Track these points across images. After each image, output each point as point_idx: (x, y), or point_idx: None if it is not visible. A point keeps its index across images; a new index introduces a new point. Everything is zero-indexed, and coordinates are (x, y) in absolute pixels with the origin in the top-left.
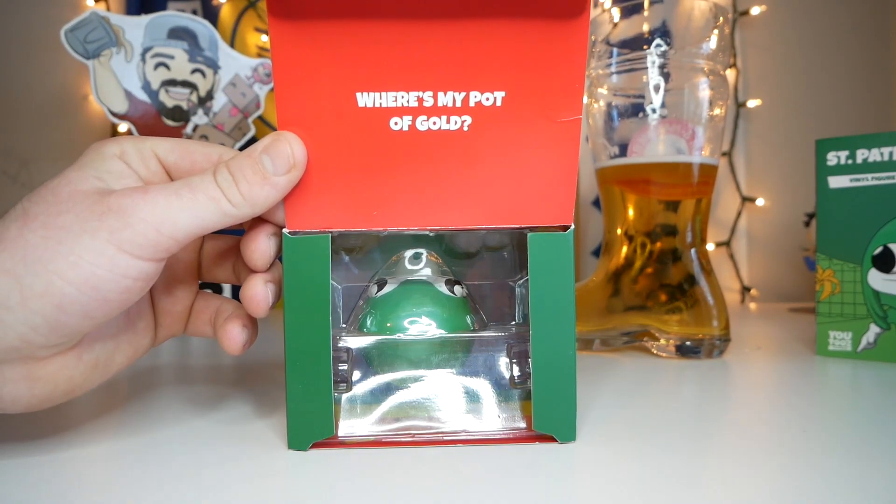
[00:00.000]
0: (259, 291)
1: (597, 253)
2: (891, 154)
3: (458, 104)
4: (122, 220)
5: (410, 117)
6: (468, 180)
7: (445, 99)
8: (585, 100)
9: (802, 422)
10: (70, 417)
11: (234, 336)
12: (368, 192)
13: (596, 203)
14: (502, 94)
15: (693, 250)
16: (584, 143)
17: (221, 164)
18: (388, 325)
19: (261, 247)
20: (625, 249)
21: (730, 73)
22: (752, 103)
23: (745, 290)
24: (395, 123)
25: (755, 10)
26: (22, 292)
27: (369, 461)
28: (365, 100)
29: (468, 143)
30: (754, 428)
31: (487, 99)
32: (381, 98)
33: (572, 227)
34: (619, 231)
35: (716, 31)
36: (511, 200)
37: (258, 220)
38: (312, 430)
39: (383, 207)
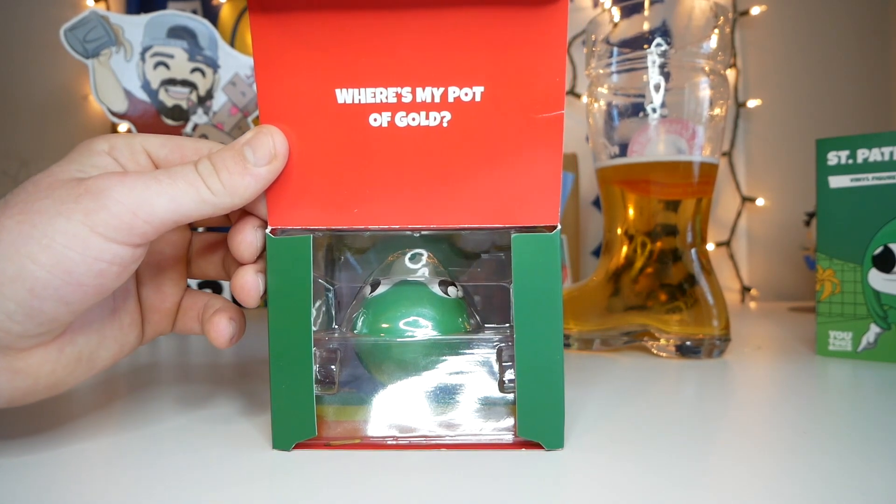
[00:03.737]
0: (249, 280)
1: (597, 253)
2: (891, 154)
3: (437, 100)
4: (97, 202)
5: (389, 113)
6: (449, 178)
7: (424, 94)
8: (585, 99)
9: (802, 422)
10: (57, 414)
11: (221, 329)
12: (349, 189)
13: (596, 203)
14: (481, 88)
15: (693, 250)
16: (585, 143)
17: (204, 156)
18: (380, 325)
19: (247, 238)
20: (625, 249)
21: (730, 73)
22: (752, 103)
23: (745, 289)
24: (375, 120)
25: (755, 10)
26: None
27: (351, 464)
28: (344, 96)
29: (448, 139)
30: (754, 428)
31: (466, 94)
32: (359, 94)
33: (559, 227)
34: (619, 231)
35: (716, 31)
36: (494, 199)
37: (244, 213)
38: (295, 431)
39: (364, 205)
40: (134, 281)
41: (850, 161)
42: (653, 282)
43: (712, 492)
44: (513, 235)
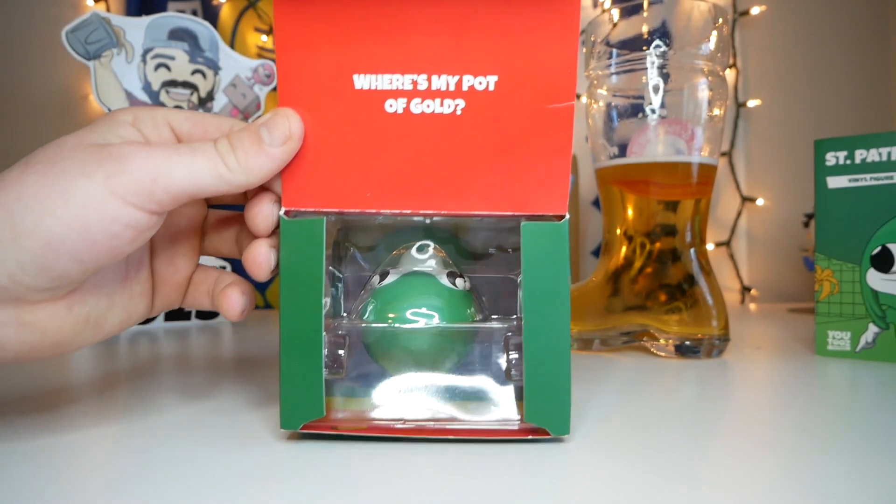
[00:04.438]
0: (262, 252)
1: (597, 253)
2: (889, 154)
3: (452, 88)
4: (119, 166)
5: (405, 100)
6: (461, 165)
7: (439, 82)
8: (585, 100)
9: (802, 422)
10: (60, 401)
11: (233, 301)
12: (363, 173)
13: (596, 203)
14: (495, 78)
15: (692, 250)
16: (585, 143)
17: (223, 135)
18: (388, 315)
19: (264, 211)
20: (624, 249)
21: (730, 73)
22: (752, 103)
23: (745, 290)
24: (390, 106)
25: (755, 10)
26: (13, 229)
27: (358, 454)
28: (361, 82)
29: (461, 127)
30: (754, 428)
31: (480, 83)
32: (376, 80)
33: (567, 216)
34: (618, 231)
35: (715, 32)
36: (504, 187)
37: (261, 189)
38: (304, 411)
39: (377, 189)
40: (148, 252)
41: (849, 161)
42: (652, 282)
43: (711, 491)
44: (522, 224)
